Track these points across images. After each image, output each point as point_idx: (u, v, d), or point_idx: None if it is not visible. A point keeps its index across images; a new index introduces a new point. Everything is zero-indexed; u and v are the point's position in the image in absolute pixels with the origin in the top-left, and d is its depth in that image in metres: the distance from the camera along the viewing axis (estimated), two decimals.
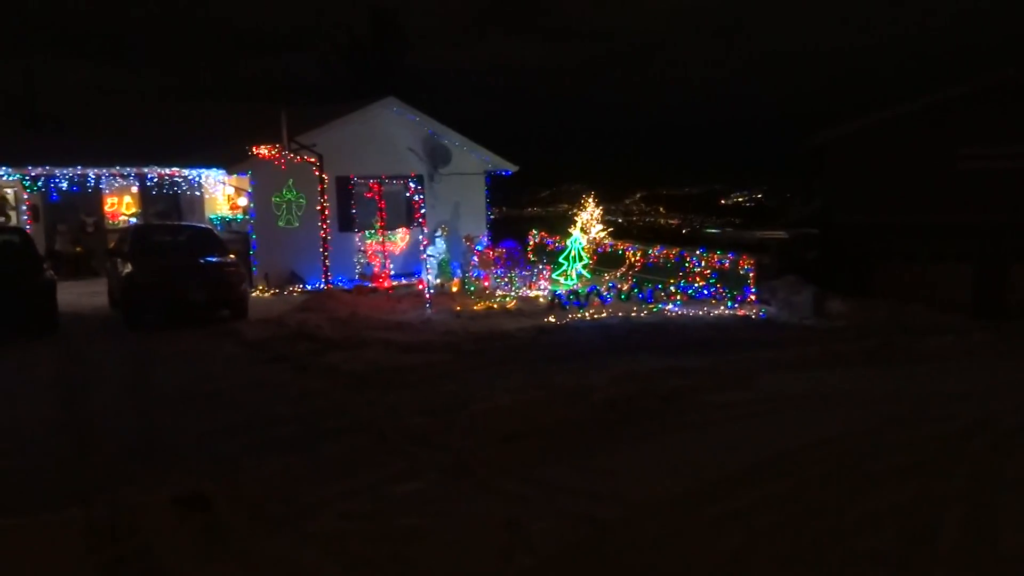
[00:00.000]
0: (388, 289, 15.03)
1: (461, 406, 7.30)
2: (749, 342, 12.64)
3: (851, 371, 10.57)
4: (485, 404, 7.28)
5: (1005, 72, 20.33)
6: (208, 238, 14.22)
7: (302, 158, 15.79)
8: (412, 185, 19.49)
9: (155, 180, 19.31)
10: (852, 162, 22.69)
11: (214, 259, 13.22)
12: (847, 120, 23.65)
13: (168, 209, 20.60)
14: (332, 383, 8.18)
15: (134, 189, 20.62)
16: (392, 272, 18.56)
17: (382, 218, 16.81)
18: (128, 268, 12.56)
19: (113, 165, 18.77)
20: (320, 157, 15.99)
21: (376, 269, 15.11)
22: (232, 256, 13.72)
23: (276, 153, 15.26)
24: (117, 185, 20.18)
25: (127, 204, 20.80)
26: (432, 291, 13.80)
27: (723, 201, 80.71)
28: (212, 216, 19.69)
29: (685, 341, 12.21)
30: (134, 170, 19.06)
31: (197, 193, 19.30)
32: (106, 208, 20.46)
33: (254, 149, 15.23)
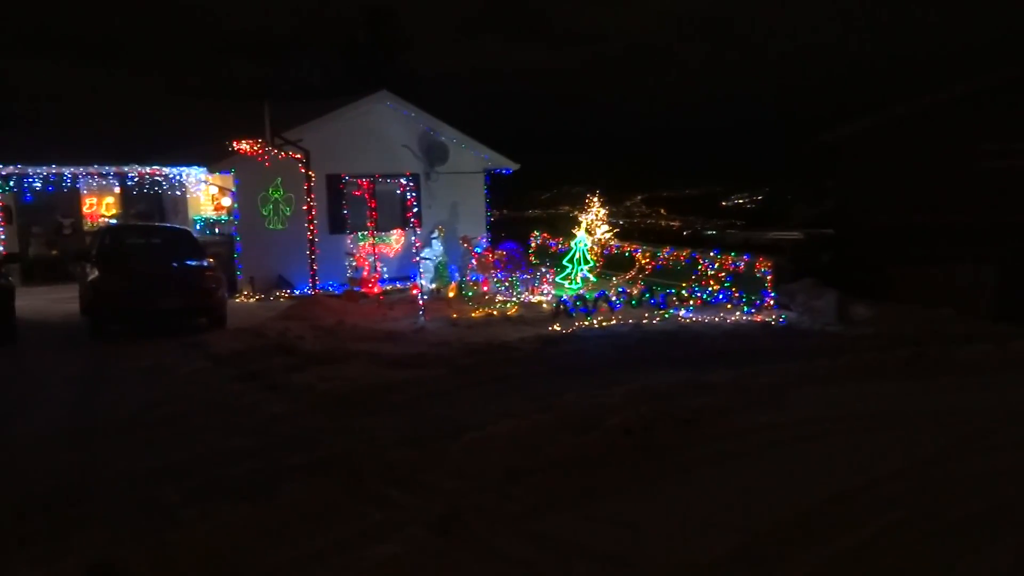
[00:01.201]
0: (379, 295, 13.94)
1: (453, 434, 6.23)
2: (772, 352, 11.57)
3: (889, 385, 9.48)
4: (481, 433, 6.21)
5: None
6: (184, 240, 13.17)
7: (286, 154, 14.74)
8: (407, 184, 18.47)
9: (136, 179, 18.32)
10: (867, 160, 21.66)
11: (189, 263, 12.18)
12: (861, 116, 22.63)
13: (150, 210, 19.56)
14: (306, 406, 7.11)
15: (115, 189, 19.58)
16: (386, 276, 17.51)
17: (374, 219, 15.74)
18: (94, 274, 11.51)
19: (91, 163, 17.77)
20: (307, 153, 14.92)
21: (365, 273, 14.00)
22: (210, 260, 12.66)
23: (259, 149, 14.20)
24: (96, 185, 19.16)
25: (107, 205, 19.76)
26: (426, 297, 12.71)
27: (724, 203, 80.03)
28: (196, 217, 18.64)
29: (703, 351, 11.14)
30: (113, 169, 18.07)
31: (179, 193, 18.24)
32: (85, 209, 19.43)
33: (235, 144, 14.16)
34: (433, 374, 8.37)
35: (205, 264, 12.35)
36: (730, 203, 79.60)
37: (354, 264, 16.48)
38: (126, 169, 18.10)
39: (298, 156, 14.88)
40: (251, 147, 14.11)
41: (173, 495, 4.82)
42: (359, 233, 17.21)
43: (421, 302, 12.36)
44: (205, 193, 18.34)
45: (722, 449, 6.47)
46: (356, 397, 7.32)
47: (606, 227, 20.28)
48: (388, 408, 7.10)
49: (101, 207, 19.68)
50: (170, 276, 11.63)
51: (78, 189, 18.85)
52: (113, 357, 9.62)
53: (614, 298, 13.28)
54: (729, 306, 14.94)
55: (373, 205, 14.92)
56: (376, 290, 13.76)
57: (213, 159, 16.13)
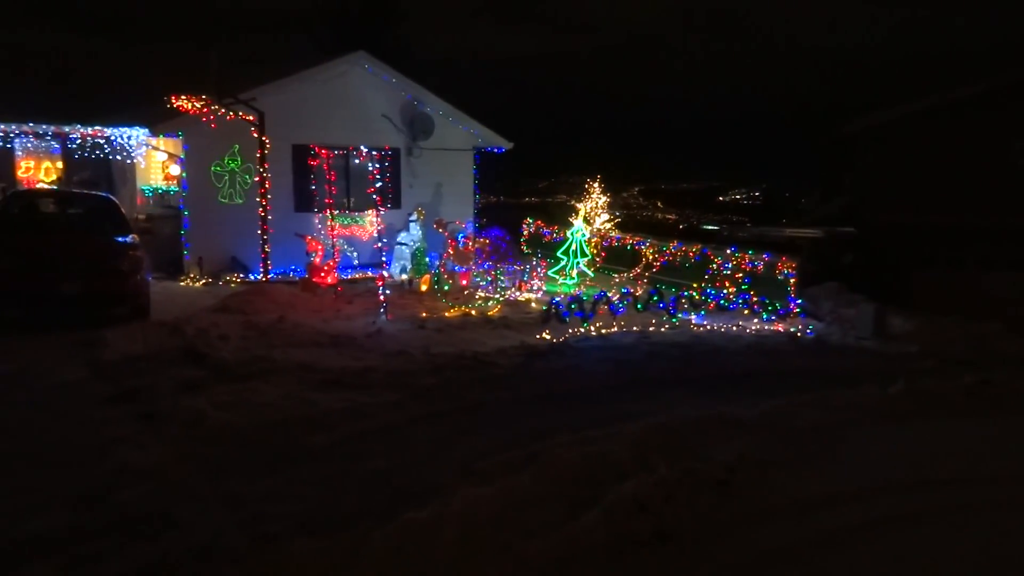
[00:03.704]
0: (336, 286, 11.74)
1: (385, 511, 4.18)
2: (807, 373, 9.55)
3: (964, 427, 7.47)
4: (425, 511, 4.14)
5: None
6: (106, 211, 11.00)
7: (235, 115, 12.54)
8: (386, 159, 16.44)
9: (78, 142, 16.18)
10: (889, 155, 19.77)
11: (105, 239, 10.05)
12: (884, 108, 20.69)
13: (96, 177, 17.37)
14: (184, 451, 5.01)
15: (56, 152, 17.39)
16: (356, 263, 15.41)
17: (335, 196, 13.58)
18: None
19: (24, 121, 15.61)
20: (261, 115, 12.74)
21: (317, 260, 11.77)
22: (134, 237, 10.51)
23: (204, 108, 11.99)
24: (33, 147, 17.00)
25: (47, 170, 17.53)
26: (388, 292, 10.51)
27: (721, 198, 79.35)
28: (144, 187, 16.49)
29: (724, 371, 9.11)
30: (52, 128, 15.95)
31: (127, 159, 16.06)
32: (19, 173, 17.19)
33: (174, 100, 11.94)
34: (379, 400, 6.27)
35: (127, 241, 10.21)
36: (727, 198, 78.41)
37: (326, 246, 14.31)
38: (67, 129, 15.99)
39: (250, 117, 12.68)
40: (192, 104, 11.90)
41: None
42: (330, 212, 15.14)
43: (382, 297, 10.21)
44: (148, 159, 16.17)
45: (774, 544, 4.43)
46: (260, 438, 5.23)
47: (606, 216, 18.25)
48: (302, 458, 5.01)
49: (40, 172, 17.45)
50: (76, 254, 9.45)
51: (12, 151, 16.67)
52: None
53: (616, 300, 11.18)
54: (747, 312, 12.90)
55: (332, 179, 12.72)
56: (331, 280, 11.55)
57: (157, 119, 13.94)
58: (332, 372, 6.92)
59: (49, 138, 16.70)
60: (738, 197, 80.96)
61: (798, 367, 9.85)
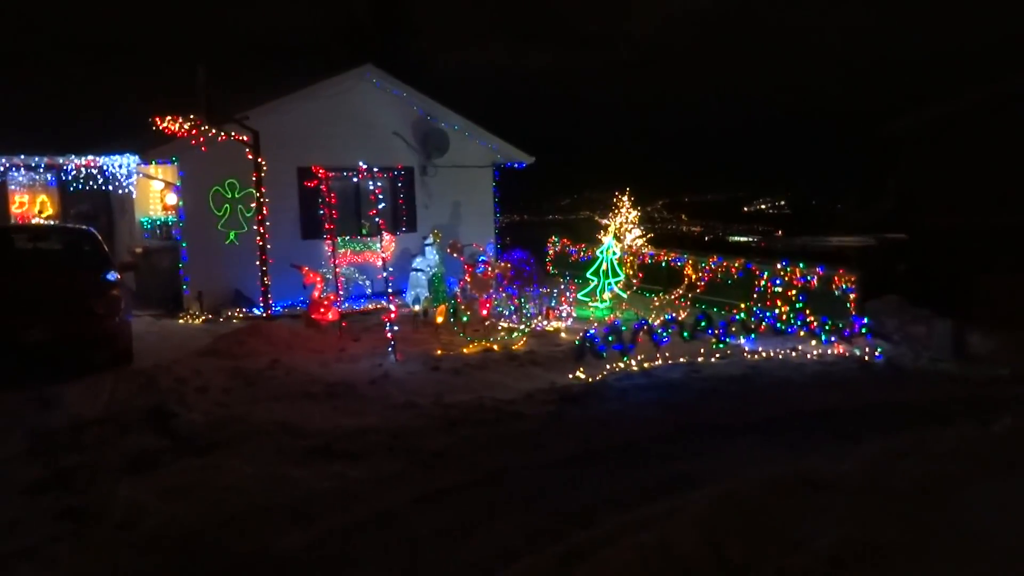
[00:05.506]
0: (340, 321, 10.43)
1: None
2: (889, 408, 8.11)
3: None
4: None
5: None
6: (86, 245, 9.88)
7: (227, 136, 11.39)
8: (398, 179, 15.34)
9: (73, 173, 15.28)
10: (940, 152, 18.22)
11: (80, 278, 8.92)
12: (929, 104, 19.20)
13: (95, 210, 16.42)
14: (107, 565, 3.74)
15: (52, 185, 16.49)
16: (369, 292, 14.22)
17: (344, 221, 12.39)
18: None
19: (15, 154, 14.75)
20: (255, 135, 11.58)
21: (316, 293, 10.47)
22: (116, 274, 9.37)
23: (192, 128, 10.88)
24: (27, 180, 16.10)
25: (42, 204, 16.60)
26: (398, 326, 9.21)
27: (746, 208, 78.16)
28: (143, 219, 15.46)
29: (792, 410, 7.69)
30: (45, 160, 15.07)
31: (123, 190, 15.05)
32: (13, 208, 16.26)
33: (159, 122, 10.82)
34: (375, 475, 4.97)
35: (104, 279, 9.07)
36: (752, 208, 77.04)
37: (330, 277, 13.09)
38: (60, 160, 15.10)
39: (243, 138, 11.53)
40: (180, 126, 10.78)
41: None
42: (340, 238, 13.94)
43: (391, 334, 8.92)
44: (145, 188, 15.16)
45: None
46: (212, 541, 3.95)
47: (637, 232, 16.92)
48: (264, 571, 3.72)
49: (35, 206, 16.51)
50: (41, 296, 8.31)
51: (5, 184, 15.79)
52: None
53: (658, 327, 9.80)
54: (802, 333, 11.46)
55: (341, 202, 11.52)
56: (331, 316, 10.26)
57: (147, 144, 12.89)
58: (321, 435, 5.64)
59: (42, 170, 15.82)
60: (763, 207, 79.96)
61: (877, 400, 8.40)
